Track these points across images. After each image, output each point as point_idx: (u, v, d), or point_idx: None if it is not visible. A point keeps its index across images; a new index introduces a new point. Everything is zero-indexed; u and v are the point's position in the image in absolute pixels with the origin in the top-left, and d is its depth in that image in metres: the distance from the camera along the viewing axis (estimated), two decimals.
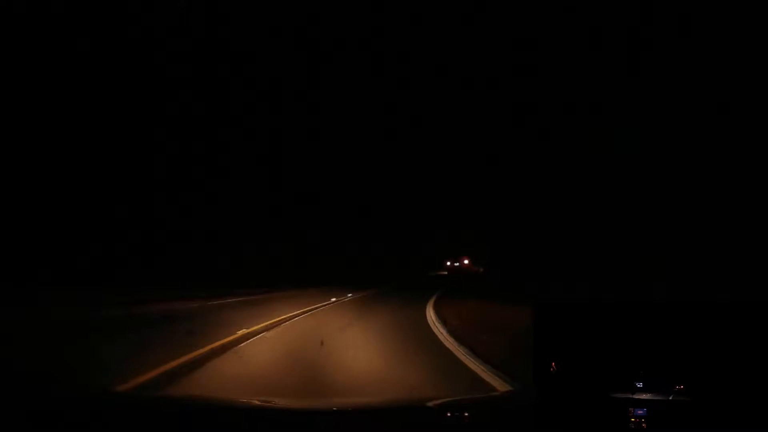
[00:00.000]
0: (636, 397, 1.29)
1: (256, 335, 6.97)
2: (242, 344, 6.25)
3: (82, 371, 4.43)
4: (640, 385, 1.29)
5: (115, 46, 22.34)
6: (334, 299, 13.63)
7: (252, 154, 34.03)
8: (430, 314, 10.35)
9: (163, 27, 23.89)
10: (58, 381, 3.75)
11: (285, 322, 8.57)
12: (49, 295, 12.77)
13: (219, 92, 29.56)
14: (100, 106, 22.13)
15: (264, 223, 33.33)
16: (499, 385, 4.13)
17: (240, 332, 6.81)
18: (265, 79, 35.81)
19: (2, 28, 18.10)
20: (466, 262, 49.42)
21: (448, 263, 50.22)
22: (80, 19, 20.95)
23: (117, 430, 1.57)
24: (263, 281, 21.03)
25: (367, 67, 51.14)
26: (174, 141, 25.83)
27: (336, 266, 36.07)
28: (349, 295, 16.10)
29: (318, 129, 45.44)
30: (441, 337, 7.34)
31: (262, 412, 1.98)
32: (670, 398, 1.27)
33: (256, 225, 32.24)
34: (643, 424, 1.26)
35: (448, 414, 1.97)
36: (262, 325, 7.72)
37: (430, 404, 2.09)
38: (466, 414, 1.95)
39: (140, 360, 4.74)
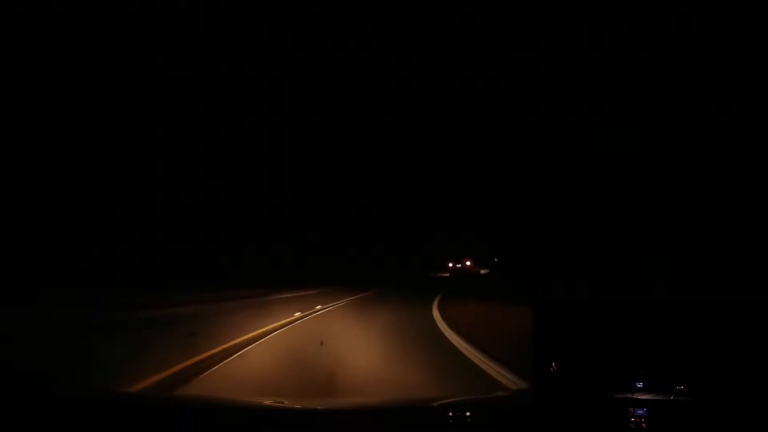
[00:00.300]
0: (636, 397, 1.29)
1: (262, 337, 6.98)
2: (249, 346, 6.25)
3: (82, 372, 4.44)
4: (640, 385, 1.29)
5: (115, 46, 22.36)
6: (331, 304, 13.58)
7: (252, 154, 34.06)
8: (436, 314, 10.42)
9: (163, 27, 23.92)
10: (58, 381, 3.75)
11: (286, 326, 8.58)
12: (49, 296, 12.78)
13: (219, 92, 29.60)
14: (100, 106, 22.15)
15: (264, 223, 33.36)
16: (513, 385, 4.12)
17: (248, 335, 6.84)
18: (265, 79, 35.87)
19: (2, 28, 18.11)
20: (468, 263, 48.25)
21: (450, 264, 48.77)
22: (80, 19, 20.97)
23: (117, 430, 1.56)
24: (263, 282, 21.03)
25: (367, 67, 51.22)
26: (174, 141, 25.85)
27: (336, 266, 36.03)
28: (350, 297, 16.09)
29: (318, 129, 45.54)
30: (446, 332, 7.43)
31: (262, 412, 1.98)
32: (671, 398, 1.26)
33: (256, 225, 32.26)
34: (643, 424, 1.26)
35: (450, 414, 1.97)
36: (266, 328, 7.74)
37: (432, 405, 2.09)
38: (468, 414, 1.96)
39: (141, 362, 4.76)
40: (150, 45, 23.75)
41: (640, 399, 1.28)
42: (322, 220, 41.56)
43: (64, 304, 11.41)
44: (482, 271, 46.49)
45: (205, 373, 4.69)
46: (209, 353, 5.45)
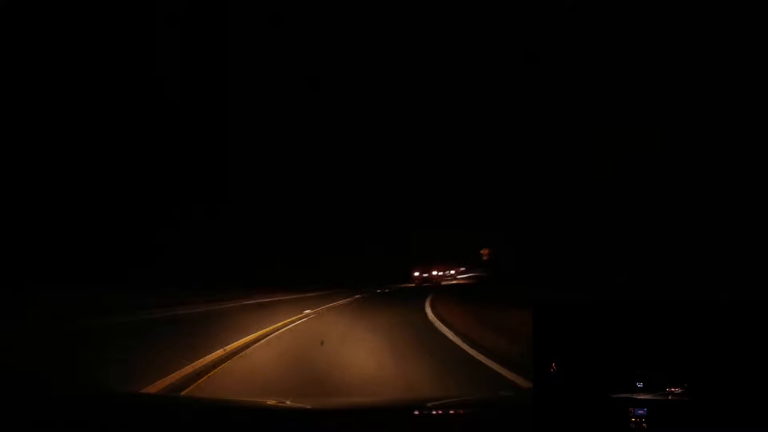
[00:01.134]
0: (636, 397, 1.29)
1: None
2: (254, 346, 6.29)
3: (83, 372, 4.44)
4: (640, 385, 1.29)
5: (115, 46, 22.37)
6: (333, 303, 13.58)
7: (249, 153, 34.24)
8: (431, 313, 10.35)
9: (163, 26, 23.95)
10: (59, 383, 3.75)
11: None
12: (48, 298, 12.77)
13: (218, 92, 29.71)
14: (101, 107, 22.15)
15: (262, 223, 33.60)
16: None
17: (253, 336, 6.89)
18: (265, 79, 36.04)
19: (3, 28, 18.12)
20: (434, 273, 45.68)
21: (416, 273, 45.10)
22: (80, 20, 20.99)
23: (117, 430, 1.56)
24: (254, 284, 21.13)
25: (365, 69, 51.35)
26: (173, 141, 25.91)
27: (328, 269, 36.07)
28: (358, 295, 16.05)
29: (313, 130, 45.84)
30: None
31: (264, 412, 1.98)
32: (671, 398, 1.27)
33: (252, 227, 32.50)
34: (643, 424, 1.26)
35: (451, 413, 1.97)
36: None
37: (432, 404, 2.09)
38: (468, 414, 1.95)
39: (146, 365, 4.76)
40: (150, 45, 23.76)
41: (640, 399, 1.28)
42: (314, 222, 41.74)
43: (64, 306, 11.40)
44: (442, 283, 42.90)
45: (214, 366, 4.74)
46: (227, 349, 5.51)
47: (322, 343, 6.28)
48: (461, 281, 44.33)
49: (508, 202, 28.98)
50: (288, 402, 2.39)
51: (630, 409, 1.28)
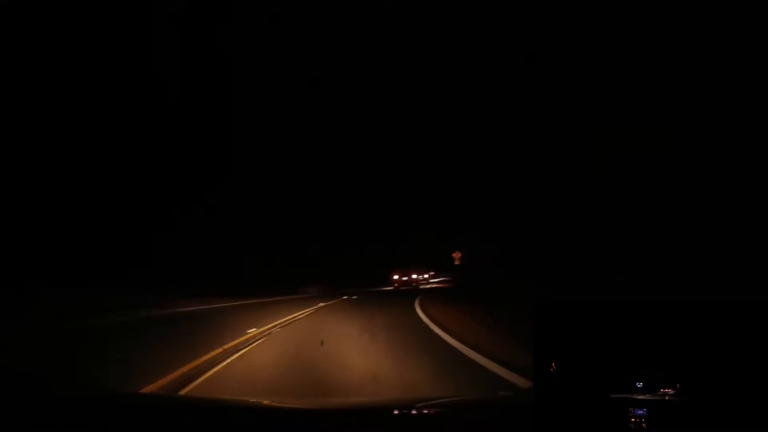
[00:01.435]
0: (636, 397, 1.29)
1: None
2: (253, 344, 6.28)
3: (83, 372, 4.43)
4: (640, 385, 1.29)
5: (116, 47, 22.37)
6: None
7: (250, 154, 34.33)
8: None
9: (163, 26, 23.96)
10: (60, 383, 3.75)
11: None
12: (48, 298, 12.78)
13: (218, 92, 29.75)
14: (101, 107, 22.15)
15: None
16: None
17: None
18: (265, 79, 36.11)
19: (3, 28, 18.13)
20: (414, 276, 44.89)
21: (395, 276, 44.16)
22: (80, 20, 21.00)
23: (117, 430, 1.56)
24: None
25: (365, 69, 51.43)
26: (173, 141, 25.91)
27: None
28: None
29: (315, 128, 45.99)
30: None
31: (263, 412, 1.98)
32: (670, 398, 1.27)
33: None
34: (643, 425, 1.26)
35: (450, 413, 1.97)
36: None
37: (432, 404, 2.09)
38: (467, 414, 1.95)
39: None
40: (149, 44, 23.78)
41: (640, 399, 1.28)
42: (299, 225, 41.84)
43: (64, 306, 11.40)
44: (421, 286, 42.51)
45: (211, 363, 4.71)
46: (223, 348, 5.46)
47: (322, 343, 6.28)
48: (436, 285, 44.46)
49: (506, 202, 28.85)
50: (288, 402, 2.39)
51: (630, 409, 1.28)
